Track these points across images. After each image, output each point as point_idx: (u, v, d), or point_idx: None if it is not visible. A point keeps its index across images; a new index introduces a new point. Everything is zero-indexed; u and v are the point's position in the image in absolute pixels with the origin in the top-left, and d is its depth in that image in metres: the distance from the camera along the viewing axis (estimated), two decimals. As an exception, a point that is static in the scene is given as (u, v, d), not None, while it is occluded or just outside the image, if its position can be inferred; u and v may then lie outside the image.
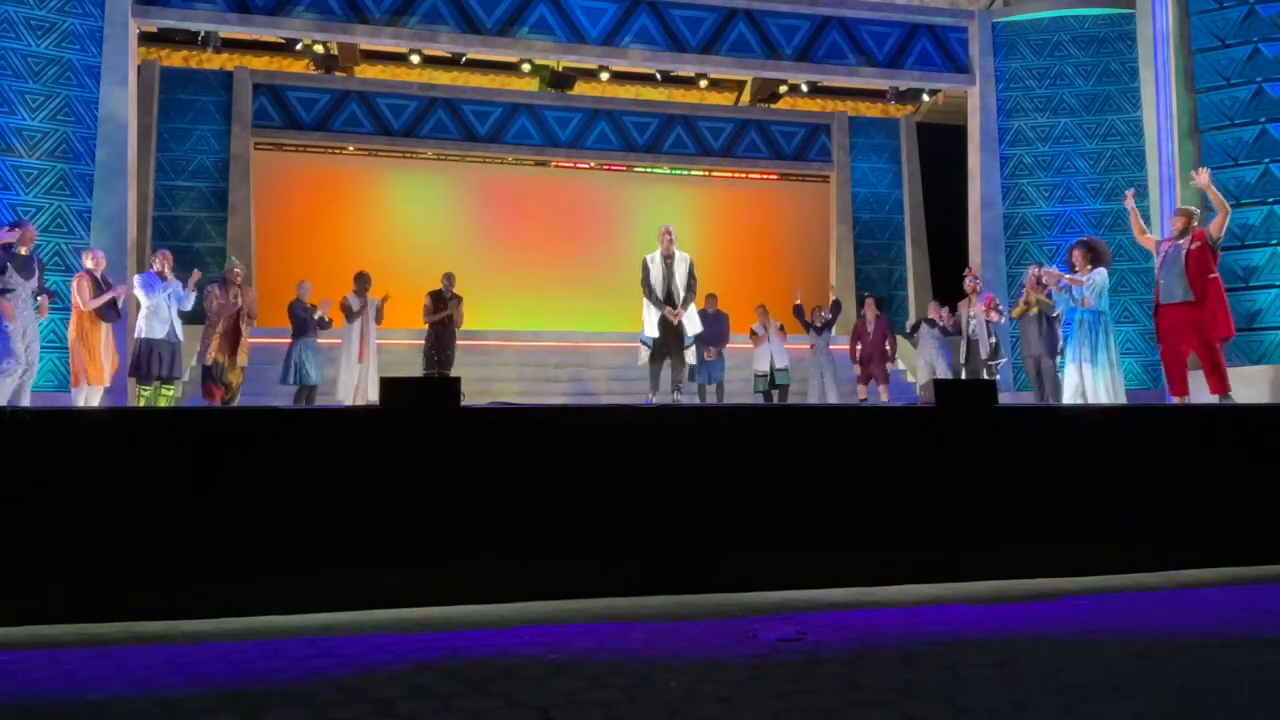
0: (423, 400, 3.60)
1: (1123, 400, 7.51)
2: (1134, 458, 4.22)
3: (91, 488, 3.23)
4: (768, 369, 10.98)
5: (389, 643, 2.85)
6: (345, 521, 3.40)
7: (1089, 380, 7.58)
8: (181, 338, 8.54)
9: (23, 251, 7.43)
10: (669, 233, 7.76)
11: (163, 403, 8.31)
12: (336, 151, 15.28)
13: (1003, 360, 9.77)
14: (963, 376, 9.96)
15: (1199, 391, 7.36)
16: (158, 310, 8.29)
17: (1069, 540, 4.05)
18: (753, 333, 11.19)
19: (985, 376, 9.25)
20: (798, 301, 11.43)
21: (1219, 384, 6.84)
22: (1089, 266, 7.76)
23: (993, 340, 9.59)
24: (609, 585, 3.56)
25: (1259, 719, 2.20)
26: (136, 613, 3.17)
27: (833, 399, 10.70)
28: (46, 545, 3.18)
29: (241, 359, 8.78)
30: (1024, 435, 4.19)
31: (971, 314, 9.73)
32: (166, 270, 8.51)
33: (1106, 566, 4.05)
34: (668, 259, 7.74)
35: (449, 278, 10.20)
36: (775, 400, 10.89)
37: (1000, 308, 9.94)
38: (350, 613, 3.26)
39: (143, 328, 8.31)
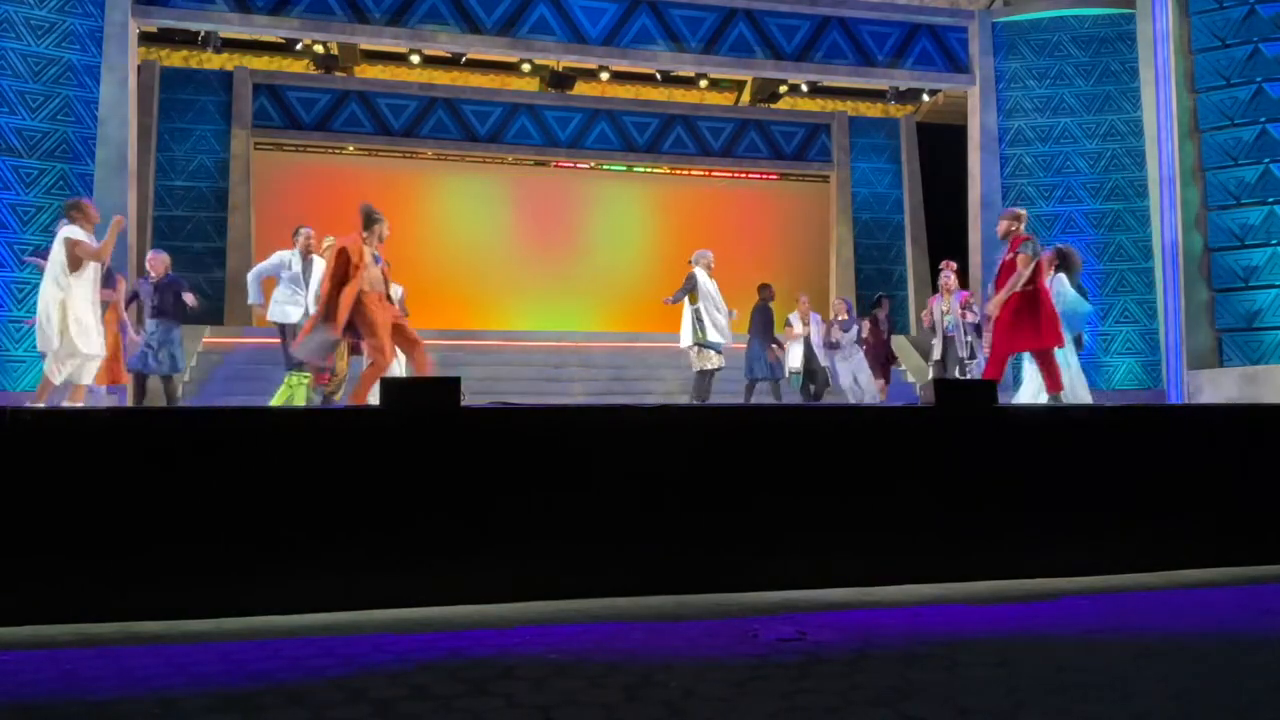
0: (423, 400, 3.60)
1: (1084, 398, 7.17)
2: (1134, 458, 4.22)
3: (91, 488, 3.23)
4: (800, 365, 10.20)
5: (389, 643, 2.84)
6: (346, 521, 3.40)
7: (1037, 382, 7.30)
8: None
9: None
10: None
11: (301, 392, 7.80)
12: (336, 151, 15.28)
13: (979, 361, 9.36)
14: (943, 375, 9.69)
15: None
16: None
17: (1069, 540, 4.05)
18: (787, 323, 10.45)
19: (959, 376, 8.89)
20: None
21: (1051, 384, 6.74)
22: (1051, 271, 7.46)
23: (969, 339, 9.26)
24: (609, 585, 3.56)
25: (1259, 719, 2.20)
26: (136, 613, 3.16)
27: (870, 396, 10.07)
28: (46, 545, 3.18)
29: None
30: (1024, 435, 4.19)
31: (946, 309, 9.34)
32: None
33: (1106, 566, 4.05)
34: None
35: None
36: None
37: (975, 307, 9.59)
38: (350, 613, 3.26)
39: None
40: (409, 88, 15.34)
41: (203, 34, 12.78)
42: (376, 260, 6.67)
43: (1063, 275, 7.52)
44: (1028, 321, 6.65)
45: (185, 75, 14.54)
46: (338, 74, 15.56)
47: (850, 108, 17.12)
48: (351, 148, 15.21)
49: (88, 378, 6.79)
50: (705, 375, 8.41)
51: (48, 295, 6.54)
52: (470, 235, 15.68)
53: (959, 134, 13.92)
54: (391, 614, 3.26)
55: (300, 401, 7.61)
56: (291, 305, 7.82)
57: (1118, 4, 12.89)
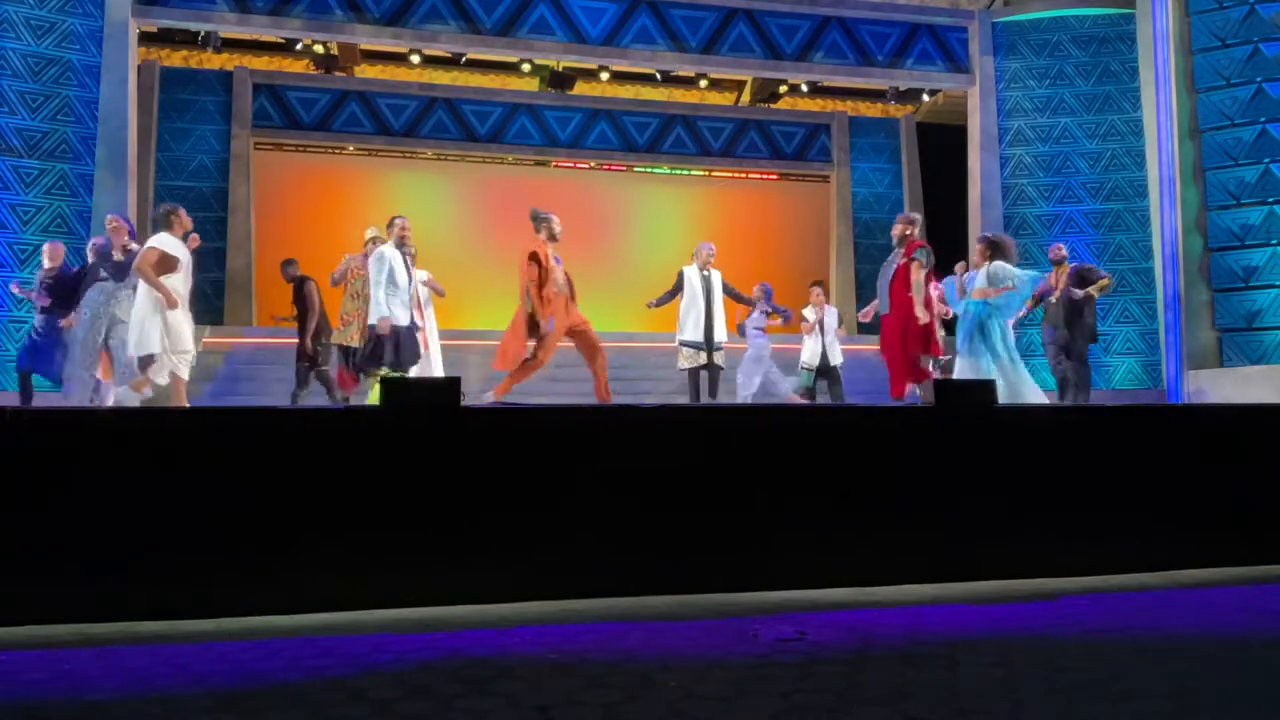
0: (423, 400, 3.60)
1: (1028, 396, 6.90)
2: (1134, 458, 4.22)
3: (91, 487, 3.23)
4: (817, 362, 9.40)
5: (389, 643, 2.84)
6: (345, 521, 3.40)
7: (982, 376, 6.93)
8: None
9: (118, 257, 7.30)
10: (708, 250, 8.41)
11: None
12: (336, 151, 15.28)
13: (949, 358, 8.72)
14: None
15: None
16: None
17: (1069, 540, 4.05)
18: (802, 319, 9.60)
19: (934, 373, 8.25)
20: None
21: (896, 388, 6.91)
22: (986, 261, 7.28)
23: (941, 333, 8.41)
24: (609, 585, 3.56)
25: (1258, 719, 2.20)
26: (136, 613, 3.16)
27: (743, 397, 9.30)
28: (46, 545, 3.18)
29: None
30: (1023, 435, 4.19)
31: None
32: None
33: (1106, 566, 4.05)
34: (705, 273, 8.30)
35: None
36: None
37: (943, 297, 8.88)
38: (350, 613, 3.26)
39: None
40: (409, 88, 15.33)
41: (203, 34, 12.77)
42: (558, 261, 6.96)
43: (1001, 262, 7.26)
44: (915, 327, 6.82)
45: (185, 75, 14.54)
46: (338, 74, 15.56)
47: (850, 108, 17.12)
48: (351, 148, 15.21)
49: (184, 370, 6.82)
50: (694, 374, 8.39)
51: (142, 302, 6.61)
52: (470, 235, 15.67)
53: (959, 134, 13.92)
54: (391, 614, 3.26)
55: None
56: (399, 307, 7.18)
57: (1118, 4, 12.89)
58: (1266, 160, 10.73)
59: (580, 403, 7.42)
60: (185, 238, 6.89)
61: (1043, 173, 13.05)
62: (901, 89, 14.60)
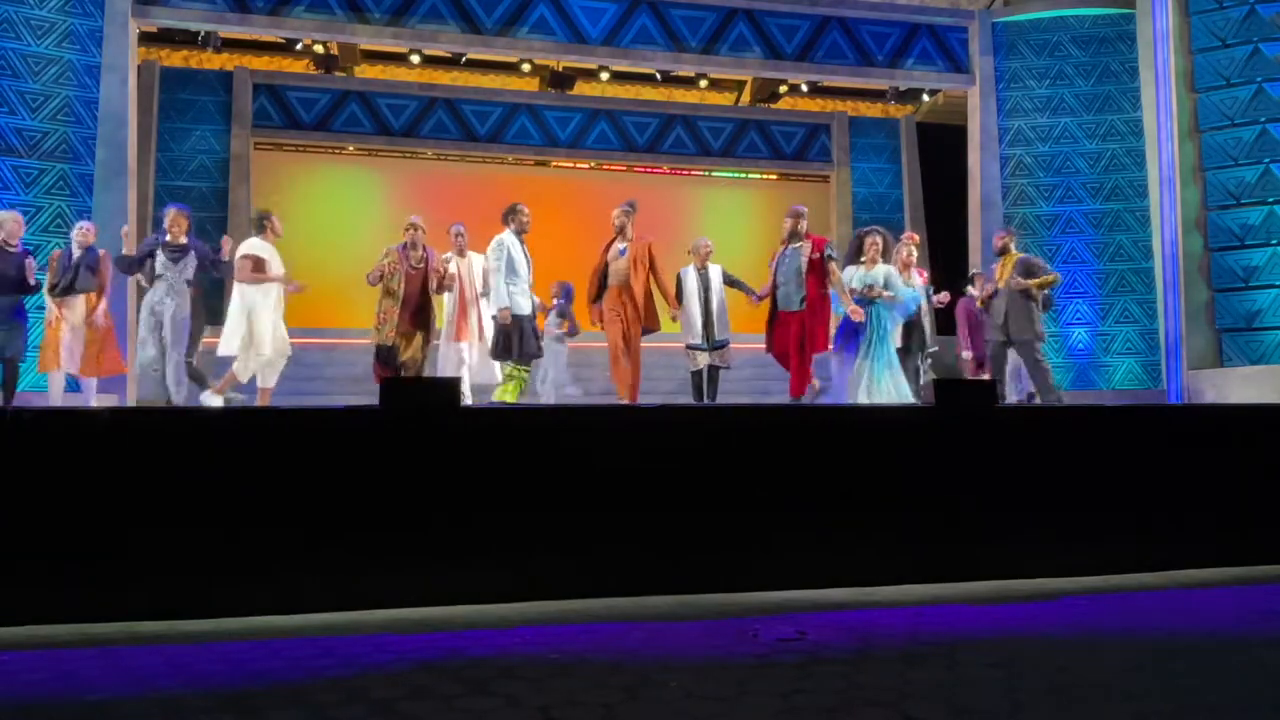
0: (423, 400, 3.60)
1: (904, 397, 6.56)
2: (1134, 458, 4.22)
3: (91, 488, 3.23)
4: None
5: (389, 643, 2.85)
6: (345, 521, 3.40)
7: (868, 378, 6.65)
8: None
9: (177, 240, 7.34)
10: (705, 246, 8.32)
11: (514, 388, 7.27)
12: (336, 151, 15.26)
13: (935, 350, 8.32)
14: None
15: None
16: None
17: (1069, 540, 4.05)
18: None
19: (921, 368, 7.76)
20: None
21: (798, 387, 7.01)
22: (880, 259, 6.95)
23: (927, 323, 7.99)
24: (609, 585, 3.56)
25: (1257, 719, 2.20)
26: (136, 613, 3.16)
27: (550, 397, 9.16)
28: (46, 545, 3.18)
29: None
30: (1024, 435, 4.19)
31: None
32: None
33: (1106, 566, 4.05)
34: (702, 271, 8.23)
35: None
36: None
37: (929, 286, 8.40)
38: (350, 613, 3.26)
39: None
40: (409, 88, 15.33)
41: (203, 34, 12.78)
42: (621, 253, 7.46)
43: (891, 268, 6.98)
44: (821, 324, 6.87)
45: (185, 75, 14.53)
46: (338, 74, 15.55)
47: (850, 108, 17.11)
48: (351, 148, 15.20)
49: (272, 380, 7.13)
50: (696, 375, 8.39)
51: (233, 304, 7.16)
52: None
53: (959, 134, 13.91)
54: (391, 614, 3.26)
55: (513, 396, 7.26)
56: (522, 296, 7.20)
57: (1118, 4, 12.89)
58: (1266, 160, 10.72)
59: (581, 403, 7.44)
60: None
61: (1043, 173, 13.05)
62: (901, 89, 14.60)
